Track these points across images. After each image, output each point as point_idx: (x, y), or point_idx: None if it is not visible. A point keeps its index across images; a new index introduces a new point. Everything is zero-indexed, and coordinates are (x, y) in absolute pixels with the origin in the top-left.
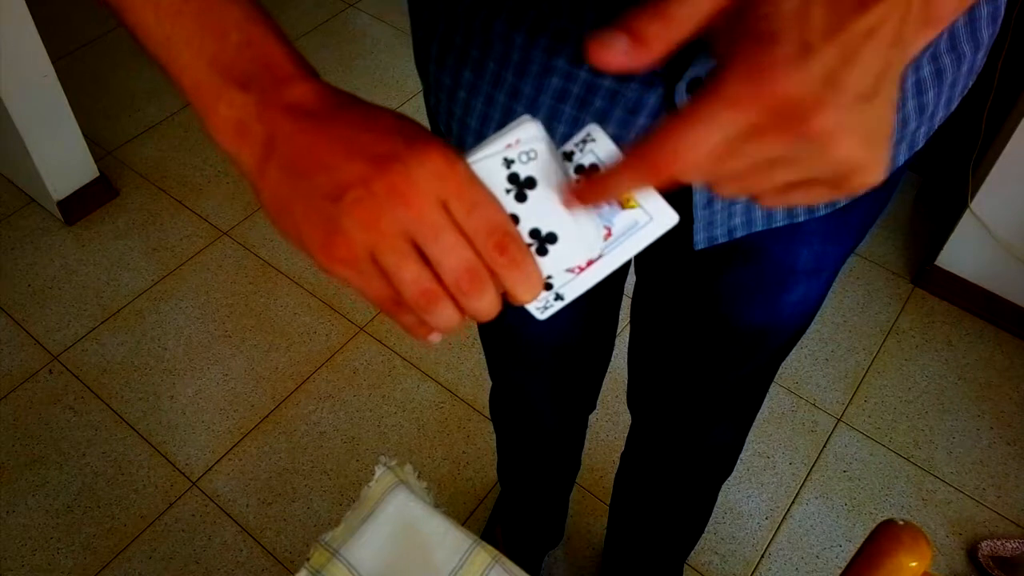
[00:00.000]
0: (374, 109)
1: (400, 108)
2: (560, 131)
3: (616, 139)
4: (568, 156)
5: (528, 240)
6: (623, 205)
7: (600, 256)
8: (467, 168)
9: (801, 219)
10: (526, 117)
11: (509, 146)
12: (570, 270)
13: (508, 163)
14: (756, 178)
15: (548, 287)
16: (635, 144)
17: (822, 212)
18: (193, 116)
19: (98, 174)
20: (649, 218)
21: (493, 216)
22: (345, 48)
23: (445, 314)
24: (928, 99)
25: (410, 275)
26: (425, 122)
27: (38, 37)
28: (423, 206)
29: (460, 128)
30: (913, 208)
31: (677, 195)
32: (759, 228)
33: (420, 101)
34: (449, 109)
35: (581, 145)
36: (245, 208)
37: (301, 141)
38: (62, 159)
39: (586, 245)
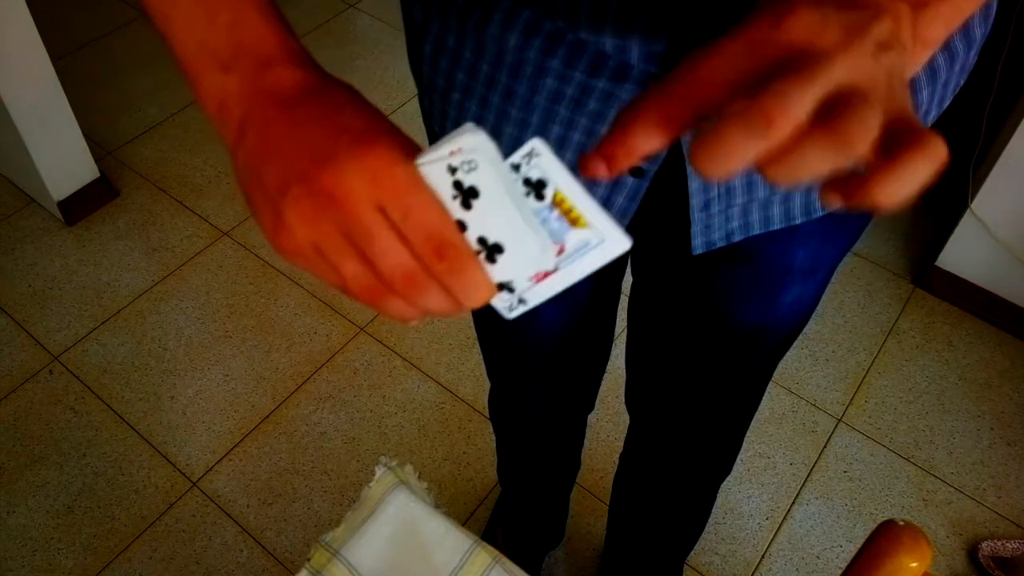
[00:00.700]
0: (342, 101)
1: (400, 109)
2: (555, 132)
3: None
4: (515, 168)
5: (476, 247)
6: (573, 224)
7: (556, 270)
8: (411, 171)
9: (798, 221)
10: (469, 126)
11: (452, 153)
12: (528, 278)
13: (452, 170)
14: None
15: (511, 290)
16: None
17: (819, 214)
18: (193, 117)
19: (98, 174)
20: (600, 240)
21: (430, 221)
22: (345, 48)
23: (395, 309)
24: (922, 98)
25: (350, 272)
26: (422, 124)
27: (38, 37)
28: (355, 210)
29: (454, 129)
30: (913, 209)
31: (674, 199)
32: (757, 232)
33: None
34: (443, 111)
35: (527, 159)
36: (245, 208)
37: (264, 131)
38: (62, 159)
39: (531, 259)
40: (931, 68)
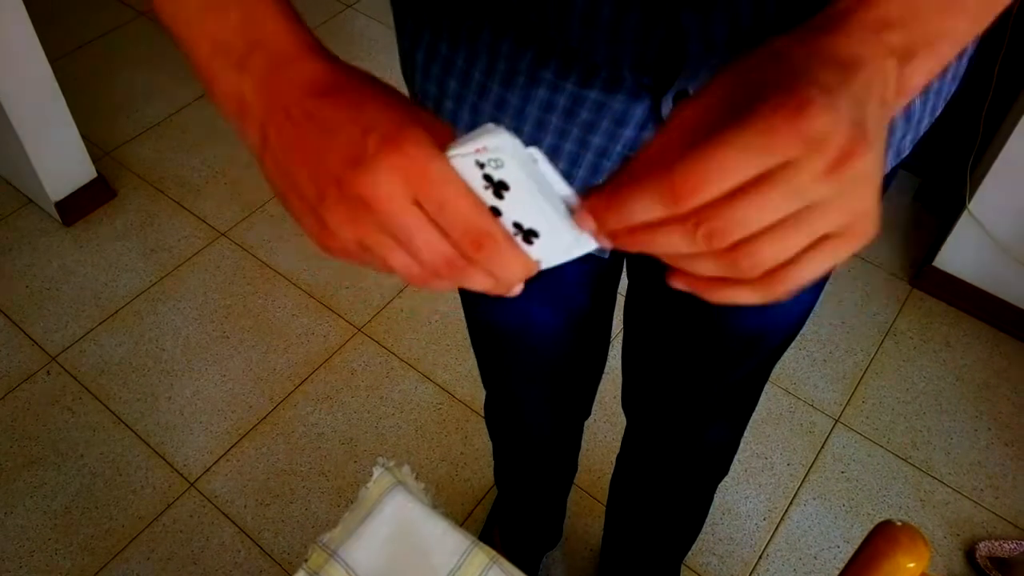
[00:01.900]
0: (364, 94)
1: None
2: (547, 142)
3: (602, 150)
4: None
5: (512, 230)
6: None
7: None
8: (442, 165)
9: None
10: (490, 126)
11: (478, 151)
12: (559, 263)
13: (480, 165)
14: (782, 233)
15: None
16: (659, 167)
17: None
18: (191, 117)
19: (96, 175)
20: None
21: (465, 213)
22: (343, 49)
23: (449, 287)
24: (914, 107)
25: (398, 263)
26: None
27: (36, 37)
28: (391, 209)
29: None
30: (911, 209)
31: None
32: None
33: None
34: None
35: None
36: (243, 209)
37: (288, 136)
38: (60, 160)
39: (565, 246)
40: None
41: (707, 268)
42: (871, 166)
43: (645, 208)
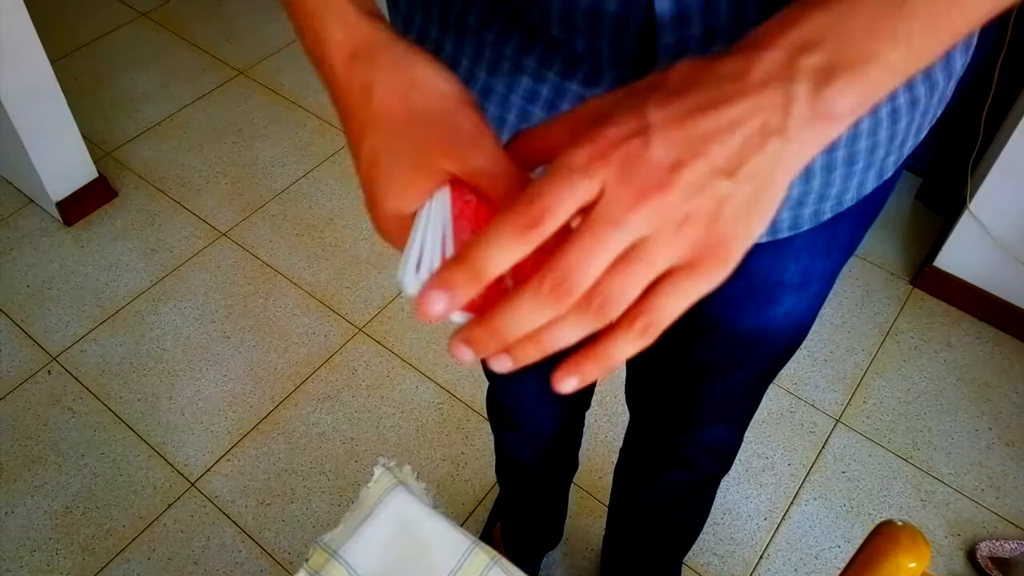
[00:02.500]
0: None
1: None
2: None
3: None
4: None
5: None
6: None
7: None
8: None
9: (784, 235)
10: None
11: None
12: None
13: None
14: (622, 267)
15: None
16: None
17: (807, 226)
18: (191, 117)
19: (97, 175)
20: None
21: None
22: None
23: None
24: (900, 127)
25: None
26: None
27: (37, 37)
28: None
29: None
30: (912, 209)
31: None
32: None
33: None
34: None
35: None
36: (244, 209)
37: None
38: (61, 160)
39: None
40: (913, 98)
41: (571, 331)
42: (693, 201)
43: (506, 254)
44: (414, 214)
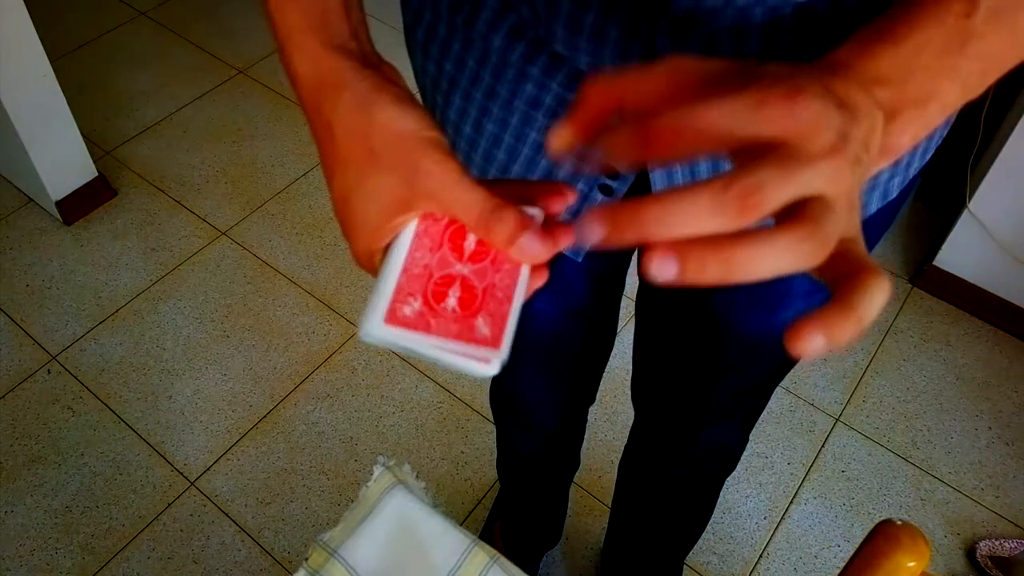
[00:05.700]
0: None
1: None
2: (532, 138)
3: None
4: None
5: None
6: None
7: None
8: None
9: None
10: None
11: None
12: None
13: None
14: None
15: None
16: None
17: None
18: (191, 116)
19: (96, 174)
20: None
21: None
22: None
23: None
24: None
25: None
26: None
27: (36, 37)
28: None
29: (441, 118)
30: (911, 208)
31: None
32: None
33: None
34: (433, 98)
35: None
36: (243, 208)
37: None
38: (60, 159)
39: None
40: None
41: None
42: (853, 175)
43: (704, 222)
44: (387, 247)
